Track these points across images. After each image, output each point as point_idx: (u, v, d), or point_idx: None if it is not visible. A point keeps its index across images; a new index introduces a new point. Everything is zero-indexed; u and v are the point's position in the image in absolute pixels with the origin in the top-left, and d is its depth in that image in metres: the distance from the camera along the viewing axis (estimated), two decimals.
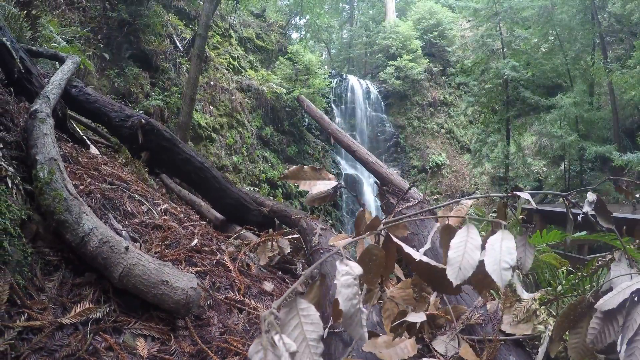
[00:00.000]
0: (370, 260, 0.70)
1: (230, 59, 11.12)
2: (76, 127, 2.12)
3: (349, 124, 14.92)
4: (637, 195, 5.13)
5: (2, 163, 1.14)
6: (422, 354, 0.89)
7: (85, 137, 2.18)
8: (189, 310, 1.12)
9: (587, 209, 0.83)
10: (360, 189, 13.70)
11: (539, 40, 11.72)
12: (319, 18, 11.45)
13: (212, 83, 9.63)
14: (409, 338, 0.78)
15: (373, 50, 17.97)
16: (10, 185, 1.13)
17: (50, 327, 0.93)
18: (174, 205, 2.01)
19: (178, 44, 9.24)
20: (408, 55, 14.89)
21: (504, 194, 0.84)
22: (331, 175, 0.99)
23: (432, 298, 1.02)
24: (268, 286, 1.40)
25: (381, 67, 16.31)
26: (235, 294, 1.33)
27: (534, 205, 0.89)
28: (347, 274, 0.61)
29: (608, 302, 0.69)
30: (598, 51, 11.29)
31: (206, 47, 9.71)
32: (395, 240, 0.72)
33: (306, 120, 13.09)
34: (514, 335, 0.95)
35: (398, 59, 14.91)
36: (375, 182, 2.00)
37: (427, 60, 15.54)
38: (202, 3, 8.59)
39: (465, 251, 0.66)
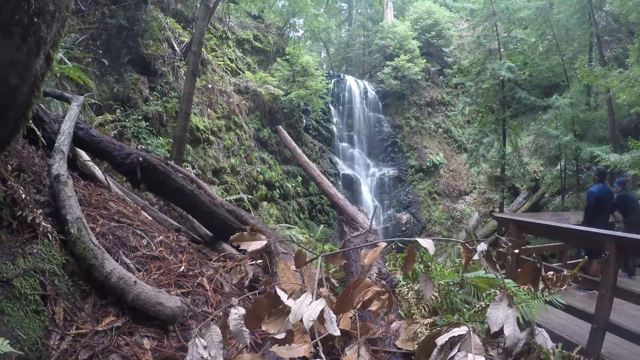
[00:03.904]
0: (260, 303, 1.20)
1: (228, 61, 11.21)
2: (84, 160, 2.35)
3: (347, 124, 15.02)
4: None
5: (44, 223, 1.55)
6: (331, 356, 1.21)
7: (92, 166, 2.40)
8: (175, 320, 1.64)
9: (476, 257, 1.00)
10: (358, 189, 13.86)
11: (536, 40, 11.73)
12: (316, 20, 11.49)
13: (210, 86, 9.73)
14: (306, 344, 1.11)
15: (371, 50, 17.99)
16: (50, 238, 1.57)
17: (91, 333, 1.43)
18: (171, 224, 2.20)
19: (176, 47, 9.32)
20: (405, 55, 14.93)
21: (413, 239, 1.03)
22: (263, 237, 1.33)
23: (348, 316, 1.34)
24: (235, 301, 1.74)
25: (379, 67, 16.36)
26: (209, 308, 1.77)
27: (432, 251, 1.06)
28: (235, 314, 1.14)
29: (440, 340, 0.97)
30: (595, 51, 11.31)
31: (204, 49, 9.78)
32: (278, 292, 1.18)
33: (304, 121, 13.19)
34: (401, 349, 1.25)
35: (395, 59, 14.95)
36: (338, 214, 2.20)
37: (425, 60, 15.57)
38: (198, 5, 8.66)
39: (300, 306, 1.11)
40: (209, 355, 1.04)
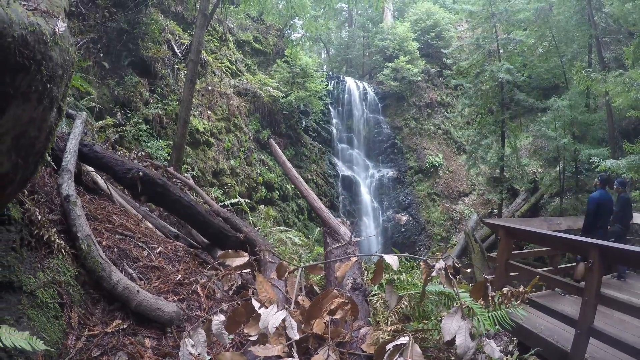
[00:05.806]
0: (237, 311, 1.38)
1: (228, 63, 11.30)
2: (88, 171, 2.51)
3: (346, 125, 15.12)
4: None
5: (58, 240, 1.76)
6: (306, 356, 1.37)
7: (95, 175, 2.57)
8: (172, 323, 1.85)
9: (434, 273, 1.14)
10: (357, 189, 13.99)
11: (535, 42, 11.74)
12: (315, 22, 11.56)
13: (209, 88, 9.85)
14: (280, 345, 1.30)
15: (371, 51, 18.04)
16: (64, 253, 1.79)
17: (101, 334, 1.66)
18: (170, 231, 2.36)
19: (176, 50, 9.42)
20: (405, 56, 14.97)
21: (379, 255, 1.18)
22: (245, 254, 1.54)
23: (322, 321, 1.50)
24: (224, 306, 1.99)
25: (378, 68, 16.41)
26: (202, 312, 2.00)
27: (396, 266, 1.19)
28: (217, 320, 1.33)
29: (388, 346, 1.12)
30: (595, 52, 11.33)
31: (204, 52, 9.88)
32: (253, 302, 1.36)
33: (303, 122, 13.29)
34: (365, 352, 1.41)
35: (395, 60, 15.00)
36: (322, 226, 2.35)
37: (424, 61, 15.61)
38: (198, 7, 8.75)
39: (268, 315, 1.30)
40: (196, 352, 1.24)
